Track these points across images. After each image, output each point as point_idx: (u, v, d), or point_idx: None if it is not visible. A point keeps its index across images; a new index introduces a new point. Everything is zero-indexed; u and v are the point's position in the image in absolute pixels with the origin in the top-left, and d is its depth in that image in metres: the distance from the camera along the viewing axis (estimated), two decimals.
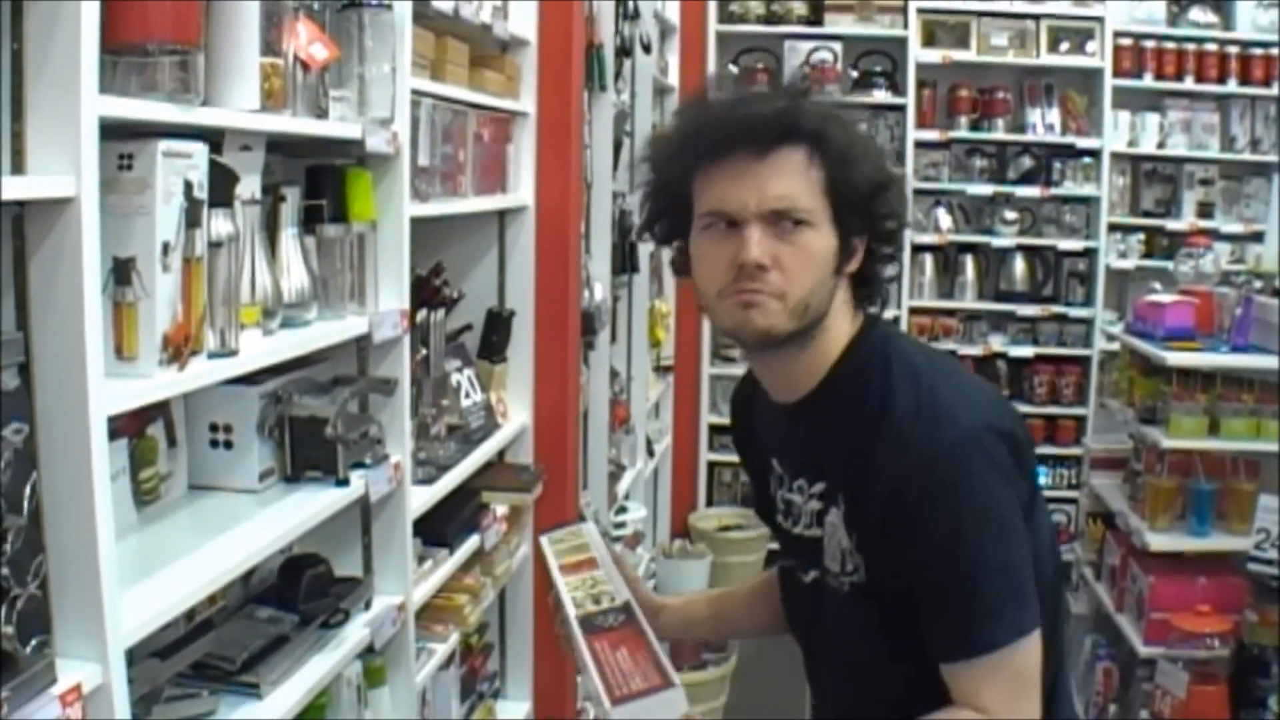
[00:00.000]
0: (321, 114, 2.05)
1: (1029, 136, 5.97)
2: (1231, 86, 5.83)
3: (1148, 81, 5.83)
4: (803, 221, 1.45)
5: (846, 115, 1.54)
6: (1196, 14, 5.87)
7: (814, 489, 1.56)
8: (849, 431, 1.50)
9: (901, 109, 5.88)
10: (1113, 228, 5.93)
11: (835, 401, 1.53)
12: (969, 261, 6.08)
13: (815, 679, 1.70)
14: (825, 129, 1.46)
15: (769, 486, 1.67)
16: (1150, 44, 5.83)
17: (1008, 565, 1.43)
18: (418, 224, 2.46)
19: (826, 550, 1.54)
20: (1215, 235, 5.37)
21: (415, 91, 2.43)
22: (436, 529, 2.67)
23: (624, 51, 4.18)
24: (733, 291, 1.46)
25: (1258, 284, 3.55)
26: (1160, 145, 5.91)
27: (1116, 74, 5.82)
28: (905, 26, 5.89)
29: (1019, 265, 6.05)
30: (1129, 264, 5.91)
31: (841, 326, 1.53)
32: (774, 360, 1.55)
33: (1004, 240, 6.02)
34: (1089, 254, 5.96)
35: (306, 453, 2.16)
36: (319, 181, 2.21)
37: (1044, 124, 5.97)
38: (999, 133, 5.98)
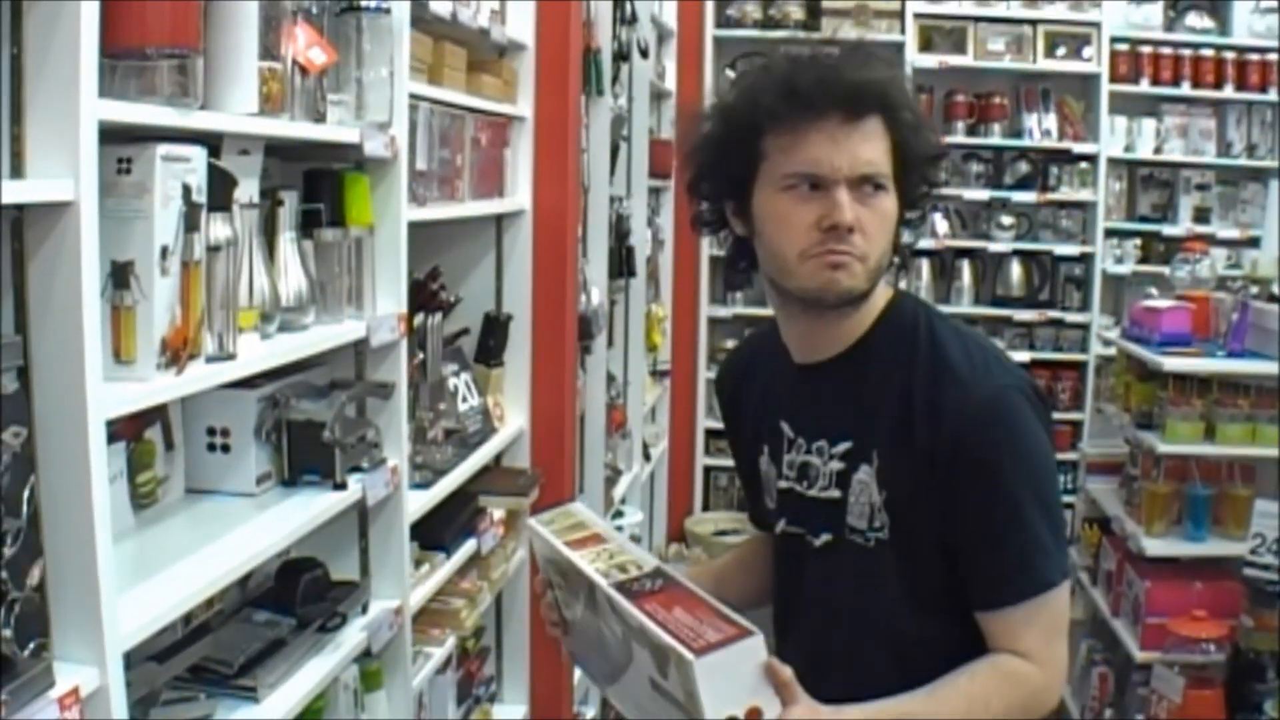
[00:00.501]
0: (319, 118, 2.05)
1: (1025, 141, 5.98)
2: (1228, 92, 5.84)
3: (1144, 87, 5.84)
4: (881, 186, 1.49)
5: (908, 84, 1.62)
6: (1193, 19, 5.88)
7: (837, 449, 1.57)
8: (888, 389, 1.53)
9: None
10: (1109, 233, 5.93)
11: (871, 360, 1.56)
12: (965, 266, 6.08)
13: (809, 648, 1.64)
14: (902, 99, 1.52)
15: (763, 454, 1.68)
16: (1147, 49, 5.84)
17: (1055, 507, 1.52)
18: (415, 228, 2.46)
19: (851, 509, 1.56)
20: (1211, 240, 5.40)
21: (413, 95, 2.43)
22: (433, 533, 2.67)
23: (621, 56, 4.18)
24: (819, 252, 1.48)
25: (1254, 289, 3.56)
26: (1157, 150, 5.93)
27: (1113, 79, 5.83)
28: (902, 31, 5.90)
29: (1015, 270, 6.06)
30: (1125, 269, 5.91)
31: (880, 289, 1.57)
32: (828, 319, 1.56)
33: (1000, 245, 6.03)
34: (1085, 259, 5.96)
35: (304, 456, 2.16)
36: (317, 185, 2.22)
37: (1040, 129, 5.99)
38: (995, 138, 5.98)
